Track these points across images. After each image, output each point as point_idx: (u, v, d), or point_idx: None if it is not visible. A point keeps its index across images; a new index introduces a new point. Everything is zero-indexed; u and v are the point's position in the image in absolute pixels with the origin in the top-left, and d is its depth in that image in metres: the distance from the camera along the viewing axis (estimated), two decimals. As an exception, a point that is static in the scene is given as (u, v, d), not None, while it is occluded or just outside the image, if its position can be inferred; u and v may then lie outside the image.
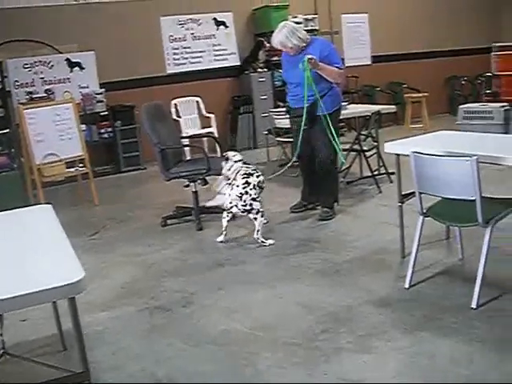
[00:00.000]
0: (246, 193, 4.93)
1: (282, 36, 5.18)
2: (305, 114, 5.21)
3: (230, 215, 5.03)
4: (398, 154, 4.17)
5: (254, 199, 4.93)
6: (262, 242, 4.93)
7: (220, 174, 5.34)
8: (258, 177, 5.08)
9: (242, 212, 4.96)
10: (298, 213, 5.73)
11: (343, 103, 6.24)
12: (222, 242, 5.07)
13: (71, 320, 2.16)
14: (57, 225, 2.81)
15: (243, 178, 5.00)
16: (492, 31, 12.43)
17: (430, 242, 4.46)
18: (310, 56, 5.07)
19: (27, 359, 3.14)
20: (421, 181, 3.63)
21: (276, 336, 3.35)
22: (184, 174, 5.64)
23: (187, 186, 5.84)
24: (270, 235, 5.12)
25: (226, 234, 5.08)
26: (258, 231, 4.95)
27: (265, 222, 5.13)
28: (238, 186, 4.96)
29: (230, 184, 5.06)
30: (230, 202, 4.95)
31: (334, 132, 5.23)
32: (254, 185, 4.99)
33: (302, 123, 5.21)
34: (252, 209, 4.93)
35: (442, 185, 3.53)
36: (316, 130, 5.32)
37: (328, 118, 5.21)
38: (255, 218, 4.94)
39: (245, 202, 4.91)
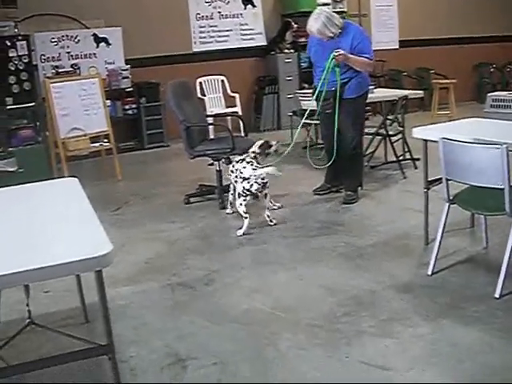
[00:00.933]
0: (262, 167, 4.92)
1: (321, 25, 5.11)
2: (322, 99, 5.26)
3: (248, 198, 4.92)
4: (425, 140, 4.13)
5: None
6: (272, 220, 5.00)
7: (243, 153, 5.33)
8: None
9: (262, 187, 4.89)
10: (322, 195, 5.71)
11: (370, 87, 6.20)
12: (242, 235, 4.82)
13: (97, 293, 2.18)
14: (84, 198, 2.83)
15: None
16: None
17: (454, 230, 4.42)
18: (337, 52, 5.06)
19: (52, 330, 3.18)
20: (449, 167, 3.60)
21: (297, 317, 3.36)
22: (209, 152, 5.64)
23: (211, 164, 5.85)
24: (292, 217, 5.13)
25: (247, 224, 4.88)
26: (268, 208, 5.06)
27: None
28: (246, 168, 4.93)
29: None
30: (248, 182, 4.87)
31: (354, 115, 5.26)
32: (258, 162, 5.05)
33: (319, 106, 5.29)
34: (267, 182, 4.90)
35: (471, 172, 3.49)
36: (342, 113, 5.29)
37: (352, 102, 5.22)
38: (266, 194, 4.98)
39: (262, 175, 4.85)
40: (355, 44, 5.17)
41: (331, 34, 5.16)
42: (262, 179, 4.87)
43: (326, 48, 5.20)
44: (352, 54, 5.15)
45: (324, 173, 5.85)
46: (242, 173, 4.91)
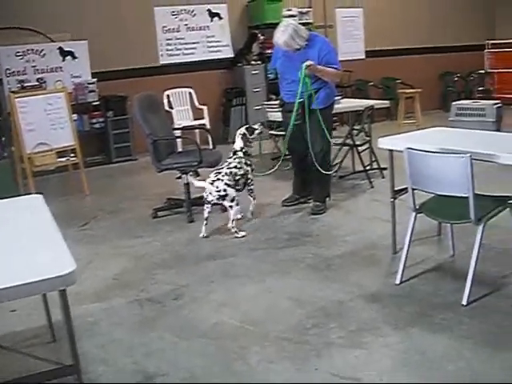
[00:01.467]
0: (218, 179, 5.01)
1: (288, 37, 5.13)
2: (295, 111, 5.28)
3: (209, 206, 5.06)
4: (391, 150, 4.17)
5: (228, 185, 5.00)
6: (236, 232, 4.99)
7: (211, 166, 5.40)
8: (232, 165, 5.18)
9: (217, 199, 5.01)
10: (290, 206, 5.72)
11: (337, 97, 6.24)
12: (205, 237, 5.05)
13: (62, 313, 2.15)
14: (48, 215, 2.79)
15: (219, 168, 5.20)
16: (486, 28, 12.46)
17: (422, 238, 4.46)
18: (308, 63, 5.09)
19: (16, 351, 3.12)
20: (414, 177, 3.63)
21: (266, 330, 3.35)
22: (176, 165, 5.62)
23: (179, 177, 5.83)
24: (261, 228, 5.13)
25: (205, 227, 5.08)
26: (232, 221, 5.01)
27: (239, 216, 5.17)
28: (210, 176, 5.09)
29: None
30: (205, 192, 5.04)
31: (323, 126, 5.25)
32: (226, 172, 5.08)
33: (293, 118, 5.27)
34: (226, 195, 4.99)
35: (436, 181, 3.53)
36: (309, 124, 5.31)
37: (320, 113, 5.24)
38: (230, 206, 5.00)
39: (218, 187, 4.98)
40: (322, 55, 5.21)
41: (298, 46, 5.18)
42: (218, 191, 4.98)
43: (293, 60, 5.23)
44: (319, 65, 5.17)
45: (291, 183, 5.87)
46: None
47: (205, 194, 5.07)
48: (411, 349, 3.05)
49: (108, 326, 3.56)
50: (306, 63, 5.10)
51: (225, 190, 4.98)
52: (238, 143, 5.40)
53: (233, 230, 5.00)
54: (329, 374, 2.87)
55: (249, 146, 5.46)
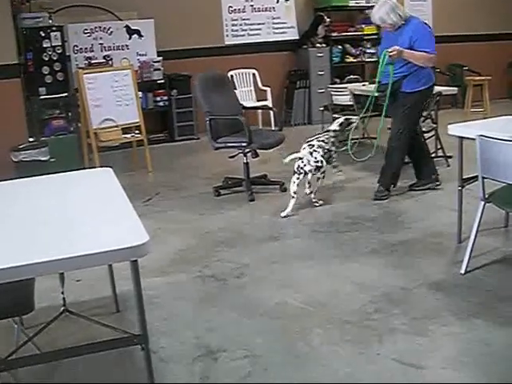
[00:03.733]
0: (315, 151, 5.26)
1: (383, 12, 5.13)
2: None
3: (300, 177, 5.16)
4: (461, 137, 4.07)
5: (323, 157, 5.27)
6: (316, 202, 5.31)
7: (266, 148, 5.63)
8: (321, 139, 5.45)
9: (315, 169, 5.22)
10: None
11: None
12: (285, 216, 5.07)
13: (133, 283, 2.17)
14: (119, 188, 2.84)
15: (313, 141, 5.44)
16: None
17: (488, 229, 4.35)
18: (391, 49, 5.07)
19: (85, 318, 3.20)
20: (485, 165, 3.54)
21: (329, 313, 3.34)
22: (229, 144, 5.65)
23: (232, 157, 5.88)
24: (324, 211, 5.14)
25: (293, 205, 5.12)
26: (315, 192, 5.34)
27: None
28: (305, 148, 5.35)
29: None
30: (303, 161, 5.21)
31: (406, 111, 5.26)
32: (319, 145, 5.34)
33: (386, 99, 5.28)
34: (322, 166, 5.27)
35: (508, 170, 3.43)
36: (395, 105, 5.31)
37: (406, 97, 5.24)
38: (318, 178, 5.39)
39: (316, 158, 5.23)
40: (414, 38, 5.12)
41: (391, 22, 5.14)
42: (316, 162, 5.21)
43: (389, 40, 5.24)
44: (411, 48, 5.10)
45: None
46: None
47: (300, 164, 5.18)
48: (475, 340, 2.99)
49: (171, 300, 3.62)
50: (388, 49, 5.09)
51: (321, 162, 5.24)
52: (334, 126, 5.68)
53: (314, 201, 5.28)
54: (391, 360, 2.85)
55: (341, 133, 5.70)
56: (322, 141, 5.41)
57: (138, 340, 2.27)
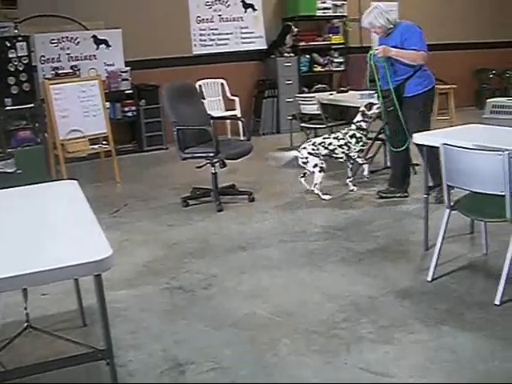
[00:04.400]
0: (304, 148, 5.85)
1: (372, 17, 5.33)
2: (381, 97, 5.53)
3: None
4: (426, 146, 4.12)
5: (310, 153, 5.78)
6: (319, 195, 5.73)
7: (233, 159, 5.70)
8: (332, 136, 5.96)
9: (303, 163, 5.85)
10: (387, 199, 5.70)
11: (371, 91, 6.20)
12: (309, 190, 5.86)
13: (96, 297, 2.15)
14: (84, 201, 2.81)
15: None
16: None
17: (454, 236, 4.41)
18: (375, 48, 5.29)
19: (50, 333, 3.16)
20: (450, 173, 3.58)
21: (296, 323, 3.34)
22: (196, 155, 5.65)
23: (200, 167, 5.87)
24: (292, 220, 5.13)
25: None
26: (315, 184, 5.76)
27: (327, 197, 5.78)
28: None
29: None
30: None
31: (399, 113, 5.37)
32: (315, 142, 5.86)
33: (395, 103, 5.38)
34: (307, 162, 5.78)
35: (472, 178, 3.47)
36: (403, 111, 5.37)
37: (412, 100, 5.31)
38: (313, 172, 5.77)
39: (302, 155, 5.83)
40: (404, 37, 5.25)
41: (379, 25, 5.30)
42: (301, 158, 5.86)
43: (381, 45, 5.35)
44: (403, 48, 5.21)
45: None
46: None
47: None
48: (442, 347, 3.01)
49: (138, 312, 3.58)
50: (372, 50, 5.30)
51: (306, 158, 5.79)
52: (357, 118, 5.96)
53: (316, 192, 5.74)
54: (358, 369, 2.85)
55: (367, 121, 5.94)
56: (333, 137, 5.90)
57: (102, 355, 2.25)
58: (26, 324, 3.05)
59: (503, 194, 3.31)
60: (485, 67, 11.76)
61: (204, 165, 5.87)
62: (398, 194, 5.64)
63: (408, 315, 3.37)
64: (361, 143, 5.87)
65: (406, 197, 5.64)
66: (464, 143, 3.60)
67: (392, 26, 5.34)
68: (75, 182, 3.22)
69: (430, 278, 3.78)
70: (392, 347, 3.03)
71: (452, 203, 3.70)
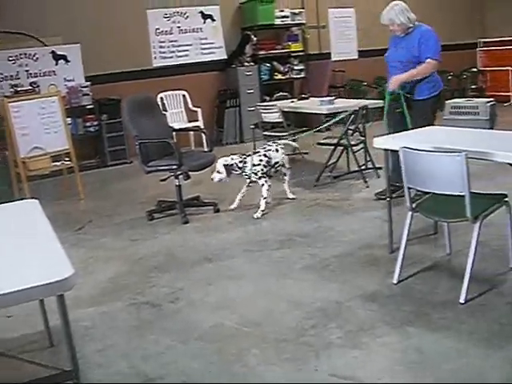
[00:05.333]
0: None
1: (392, 13, 5.31)
2: (387, 99, 5.54)
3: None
4: (386, 149, 4.17)
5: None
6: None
7: (196, 170, 5.67)
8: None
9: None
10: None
11: (330, 98, 6.27)
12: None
13: (60, 318, 2.12)
14: (44, 220, 2.77)
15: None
16: (477, 27, 12.48)
17: (418, 237, 4.48)
18: (389, 83, 5.41)
19: (13, 357, 3.11)
20: (410, 176, 3.63)
21: (264, 332, 3.34)
22: (159, 168, 5.63)
23: (163, 180, 5.86)
24: (255, 229, 5.16)
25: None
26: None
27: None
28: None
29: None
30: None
31: (406, 115, 5.37)
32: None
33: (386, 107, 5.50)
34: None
35: (431, 180, 3.53)
36: (411, 114, 5.38)
37: (421, 104, 5.35)
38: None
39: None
40: (420, 42, 5.28)
41: (399, 23, 5.29)
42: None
43: (396, 46, 5.42)
44: (418, 54, 5.26)
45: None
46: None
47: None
48: (409, 348, 3.05)
49: (105, 330, 3.55)
50: (388, 87, 5.39)
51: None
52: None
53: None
54: (328, 375, 2.87)
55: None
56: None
57: (68, 376, 2.22)
58: (-11, 348, 3.00)
59: (463, 194, 3.37)
60: (443, 69, 11.93)
61: (168, 177, 5.85)
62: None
63: (375, 318, 3.39)
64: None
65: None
66: (423, 146, 3.65)
67: (412, 26, 5.34)
68: (35, 201, 3.18)
69: (395, 281, 3.82)
70: (360, 351, 3.05)
71: (414, 205, 3.75)
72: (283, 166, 5.87)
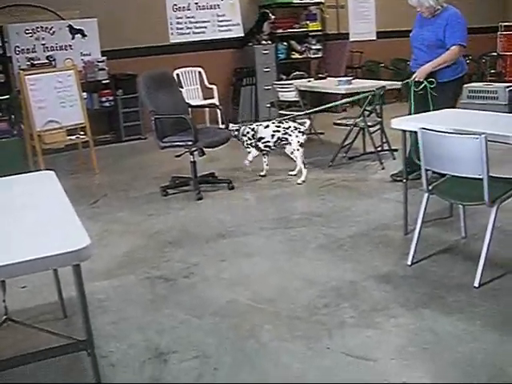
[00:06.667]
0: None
1: None
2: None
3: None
4: (404, 131, 4.14)
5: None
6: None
7: (211, 147, 5.70)
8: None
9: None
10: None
11: (347, 78, 6.21)
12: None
13: (76, 288, 2.14)
14: (61, 191, 2.78)
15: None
16: (498, 10, 12.30)
17: (433, 220, 4.45)
18: (414, 76, 5.31)
19: (30, 326, 3.13)
20: (428, 158, 3.60)
21: (278, 309, 3.35)
22: (175, 143, 5.61)
23: (178, 156, 5.85)
24: (272, 207, 5.14)
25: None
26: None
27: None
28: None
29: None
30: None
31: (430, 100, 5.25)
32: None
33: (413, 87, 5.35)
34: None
35: (449, 162, 3.49)
36: (433, 96, 5.27)
37: (444, 86, 5.24)
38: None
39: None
40: (446, 28, 5.17)
41: (428, 5, 5.17)
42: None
43: (422, 27, 5.34)
44: (443, 38, 5.18)
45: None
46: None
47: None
48: (423, 330, 3.04)
49: (119, 303, 3.57)
50: (412, 78, 5.30)
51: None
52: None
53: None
54: (340, 354, 2.87)
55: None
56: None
57: (83, 346, 2.24)
58: (4, 317, 3.02)
59: (480, 177, 3.34)
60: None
61: (182, 154, 5.84)
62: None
63: (389, 299, 3.39)
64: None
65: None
66: (441, 127, 3.61)
67: (440, 8, 5.21)
68: (52, 172, 3.18)
69: (409, 262, 3.80)
70: (374, 331, 3.05)
71: (431, 187, 3.72)
72: (287, 143, 5.97)
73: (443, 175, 3.85)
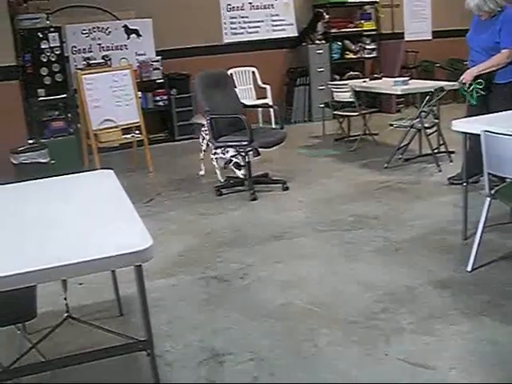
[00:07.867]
0: None
1: (480, 0, 5.01)
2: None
3: None
4: (465, 133, 4.04)
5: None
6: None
7: (267, 147, 5.64)
8: None
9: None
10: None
11: (405, 78, 6.09)
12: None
13: (137, 287, 2.14)
14: (121, 190, 2.80)
15: None
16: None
17: (493, 225, 4.31)
18: (462, 78, 5.20)
19: (89, 323, 3.16)
20: (490, 161, 3.50)
21: (334, 313, 3.31)
22: (229, 144, 5.61)
23: (226, 163, 5.98)
24: (326, 209, 5.10)
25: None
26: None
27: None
28: None
29: None
30: None
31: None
32: None
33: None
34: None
35: (513, 166, 3.40)
36: (491, 97, 5.16)
37: (501, 88, 5.11)
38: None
39: None
40: (501, 30, 5.02)
41: (488, 9, 5.01)
42: None
43: (478, 28, 5.19)
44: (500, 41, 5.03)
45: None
46: None
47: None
48: (483, 338, 2.96)
49: (174, 302, 3.58)
50: (460, 80, 5.20)
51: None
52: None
53: None
54: (398, 360, 2.81)
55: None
56: None
57: (143, 346, 2.24)
58: (65, 315, 3.05)
59: (546, 182, 3.23)
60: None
61: (229, 162, 5.89)
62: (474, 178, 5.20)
63: (448, 306, 3.31)
64: None
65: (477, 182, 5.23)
66: (504, 130, 3.51)
67: (500, 9, 5.02)
68: (111, 171, 3.21)
69: (469, 268, 3.70)
70: (432, 338, 2.98)
71: (493, 192, 3.62)
72: None
73: (503, 179, 3.74)
